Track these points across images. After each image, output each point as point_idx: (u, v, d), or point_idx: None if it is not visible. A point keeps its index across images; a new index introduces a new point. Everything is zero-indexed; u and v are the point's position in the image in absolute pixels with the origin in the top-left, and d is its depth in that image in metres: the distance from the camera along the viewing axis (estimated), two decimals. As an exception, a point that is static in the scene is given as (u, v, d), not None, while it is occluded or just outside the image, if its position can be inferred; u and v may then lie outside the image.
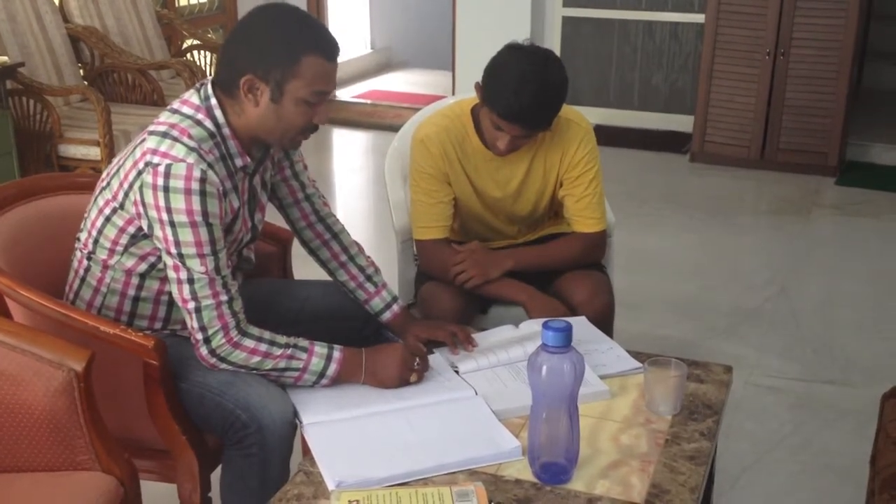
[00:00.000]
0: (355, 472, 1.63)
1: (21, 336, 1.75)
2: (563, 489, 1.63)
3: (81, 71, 4.84)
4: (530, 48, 2.21)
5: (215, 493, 1.97)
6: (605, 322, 2.32)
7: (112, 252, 1.91)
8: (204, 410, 1.86)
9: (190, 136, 1.79)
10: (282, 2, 1.86)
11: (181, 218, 1.75)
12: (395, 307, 2.19)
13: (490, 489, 1.61)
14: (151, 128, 1.83)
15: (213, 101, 1.84)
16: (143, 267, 1.91)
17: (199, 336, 1.81)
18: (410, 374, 1.91)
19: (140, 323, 1.96)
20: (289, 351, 1.85)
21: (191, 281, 1.79)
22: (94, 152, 4.19)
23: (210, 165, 1.78)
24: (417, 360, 1.93)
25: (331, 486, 1.61)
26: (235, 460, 1.85)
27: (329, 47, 1.81)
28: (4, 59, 4.19)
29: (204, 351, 1.82)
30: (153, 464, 1.98)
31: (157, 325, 1.98)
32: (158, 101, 4.70)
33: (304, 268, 2.38)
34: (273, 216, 2.18)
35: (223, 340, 1.81)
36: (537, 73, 2.14)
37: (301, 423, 1.82)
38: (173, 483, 1.96)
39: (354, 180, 5.54)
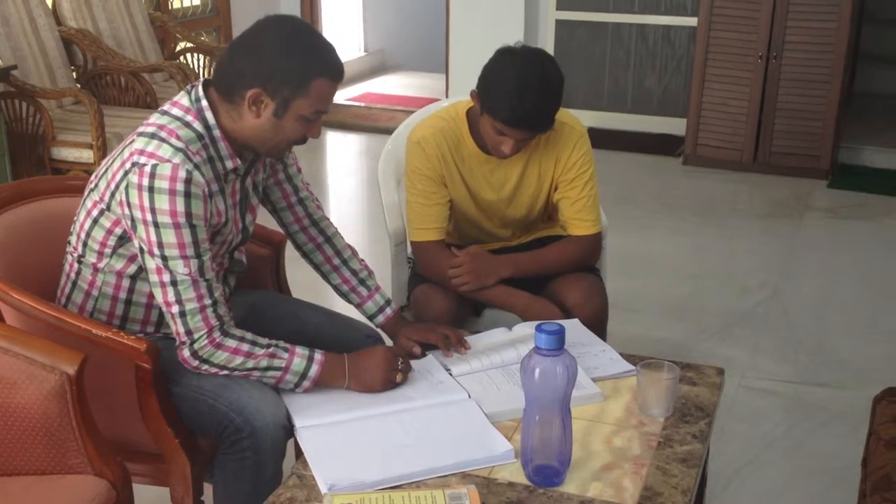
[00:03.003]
0: (348, 476, 1.63)
1: (13, 339, 1.75)
2: (555, 492, 1.64)
3: (74, 74, 4.83)
4: (523, 50, 2.20)
5: (208, 496, 1.96)
6: (599, 325, 2.32)
7: (101, 255, 1.90)
8: (197, 414, 1.86)
9: (178, 137, 1.79)
10: (293, 16, 1.87)
11: (165, 219, 1.75)
12: (389, 310, 2.19)
13: (483, 492, 1.61)
14: (140, 129, 1.83)
15: (205, 102, 1.84)
16: (132, 268, 1.91)
17: (185, 339, 1.81)
18: (395, 375, 1.91)
19: (132, 327, 1.96)
20: (270, 350, 1.85)
21: (174, 283, 1.78)
22: (87, 155, 4.18)
23: (197, 166, 1.78)
24: (400, 360, 1.93)
25: (323, 489, 1.62)
26: (229, 464, 1.85)
27: (338, 71, 1.84)
28: (-3, 61, 4.19)
29: (186, 353, 1.82)
30: (146, 467, 1.98)
31: (150, 328, 1.97)
32: (151, 103, 4.70)
33: (297, 271, 2.38)
34: (265, 219, 2.18)
35: (206, 342, 1.81)
36: (536, 76, 2.13)
37: (294, 426, 1.82)
38: (166, 486, 1.96)
39: (348, 183, 5.55)
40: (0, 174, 3.98)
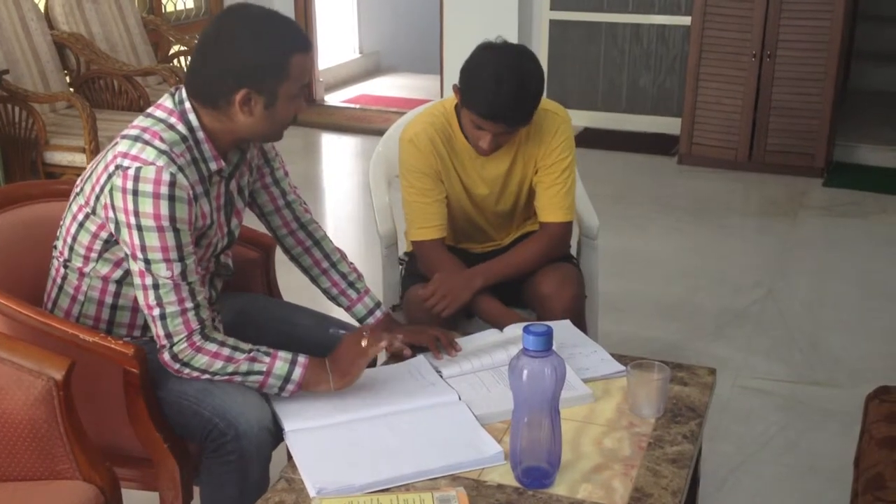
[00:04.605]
0: (337, 479, 1.63)
1: (0, 345, 1.74)
2: (545, 493, 1.63)
3: (67, 77, 4.83)
4: (503, 45, 2.22)
5: (198, 499, 1.95)
6: (574, 314, 2.30)
7: (87, 259, 1.90)
8: (182, 419, 1.86)
9: (161, 140, 1.78)
10: (245, 4, 1.85)
11: (148, 222, 1.74)
12: (378, 313, 2.18)
13: (472, 494, 1.60)
14: (125, 132, 1.82)
15: (188, 104, 1.83)
16: (118, 273, 1.90)
17: (164, 342, 1.81)
18: (365, 352, 1.87)
19: (119, 331, 1.95)
20: (251, 354, 1.84)
21: (156, 286, 1.78)
22: (80, 159, 4.18)
23: (181, 169, 1.77)
24: (364, 332, 1.90)
25: (312, 492, 1.61)
26: (214, 468, 1.84)
27: (306, 42, 1.85)
28: (-11, 66, 4.18)
29: (166, 356, 1.81)
30: (134, 472, 1.97)
31: (136, 332, 1.97)
32: (145, 107, 4.66)
33: (287, 274, 2.37)
34: (255, 222, 2.17)
35: (185, 345, 1.80)
36: (514, 70, 2.14)
37: (283, 430, 1.81)
38: (155, 491, 1.95)
39: (343, 185, 5.54)
40: (-8, 179, 3.98)
